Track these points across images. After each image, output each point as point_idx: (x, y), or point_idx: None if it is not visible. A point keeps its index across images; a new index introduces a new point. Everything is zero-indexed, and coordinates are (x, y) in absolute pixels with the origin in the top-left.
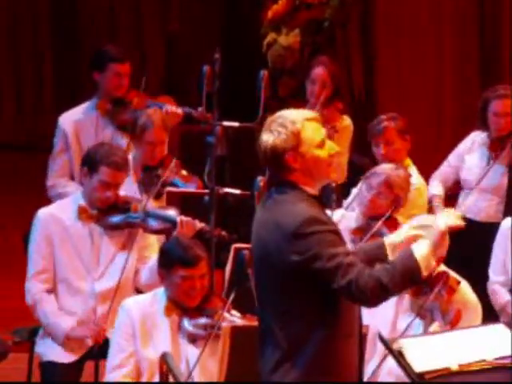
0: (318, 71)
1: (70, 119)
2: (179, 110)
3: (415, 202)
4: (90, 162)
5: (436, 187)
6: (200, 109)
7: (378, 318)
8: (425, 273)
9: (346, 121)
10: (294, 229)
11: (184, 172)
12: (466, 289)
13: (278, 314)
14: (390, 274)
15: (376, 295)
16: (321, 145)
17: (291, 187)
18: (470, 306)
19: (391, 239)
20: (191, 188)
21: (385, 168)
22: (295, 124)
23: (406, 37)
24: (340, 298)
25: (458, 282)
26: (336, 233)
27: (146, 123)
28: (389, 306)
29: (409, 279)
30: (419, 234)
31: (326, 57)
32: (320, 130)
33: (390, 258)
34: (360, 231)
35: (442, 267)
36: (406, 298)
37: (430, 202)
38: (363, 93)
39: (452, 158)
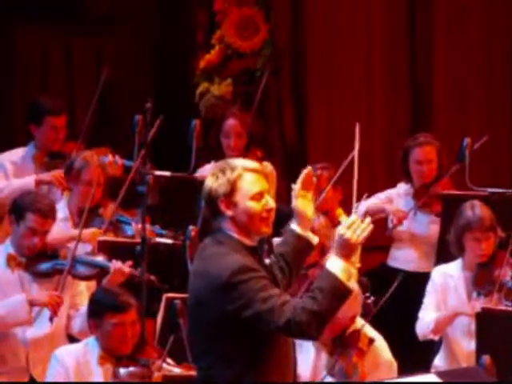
0: (231, 123)
1: (9, 159)
2: (120, 162)
3: None
4: (17, 209)
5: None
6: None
7: (301, 373)
8: (349, 284)
9: (268, 167)
10: (225, 280)
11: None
12: (380, 347)
13: (213, 362)
14: (318, 300)
15: (313, 327)
16: (256, 197)
17: (226, 237)
18: (384, 366)
19: (335, 267)
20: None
21: None
22: (233, 171)
23: (337, 87)
24: (273, 346)
25: (371, 342)
26: (266, 277)
27: (82, 164)
28: (308, 364)
29: (337, 297)
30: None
31: (235, 108)
32: (259, 183)
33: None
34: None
35: (357, 325)
36: (323, 354)
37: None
38: (295, 142)
39: (380, 195)
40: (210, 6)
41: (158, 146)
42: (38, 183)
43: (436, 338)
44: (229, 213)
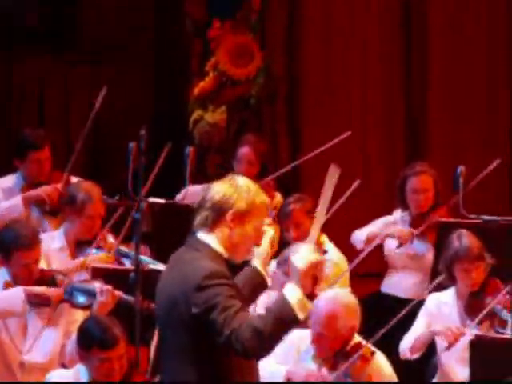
0: (244, 150)
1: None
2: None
3: (335, 277)
4: (2, 249)
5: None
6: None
7: None
8: (301, 315)
9: (278, 197)
10: (197, 282)
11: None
12: (381, 360)
13: (179, 366)
14: (266, 321)
15: (253, 344)
16: (256, 229)
17: (204, 245)
18: (387, 378)
19: (292, 296)
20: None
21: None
22: (258, 195)
23: (332, 115)
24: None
25: (373, 353)
26: (236, 289)
27: (86, 198)
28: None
29: (285, 324)
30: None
31: (252, 135)
32: (264, 218)
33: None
34: None
35: (357, 338)
36: (324, 370)
37: (368, 240)
38: (289, 170)
39: (377, 223)
40: (204, 34)
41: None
42: (26, 201)
43: (413, 357)
44: (231, 226)
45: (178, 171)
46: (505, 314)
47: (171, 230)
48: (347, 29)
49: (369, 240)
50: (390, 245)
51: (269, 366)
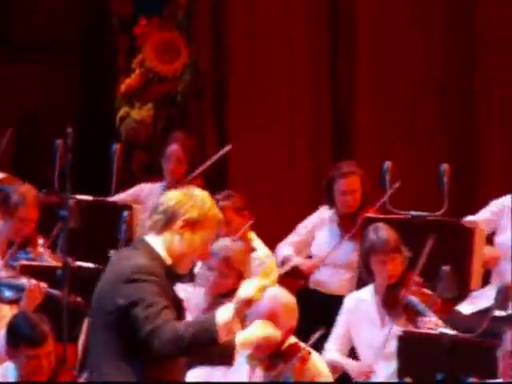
0: (173, 148)
1: None
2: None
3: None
4: None
5: (287, 250)
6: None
7: None
8: (222, 339)
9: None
10: (127, 275)
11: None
12: (317, 359)
13: (106, 362)
14: (189, 330)
15: (170, 347)
16: (204, 242)
17: (146, 246)
18: (323, 376)
19: (223, 317)
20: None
21: (220, 246)
22: (211, 209)
23: (259, 111)
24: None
25: (309, 353)
26: (163, 288)
27: (19, 200)
28: (242, 379)
29: (205, 341)
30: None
31: (180, 132)
32: (214, 232)
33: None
34: (211, 310)
35: (293, 339)
36: (258, 371)
37: (282, 263)
38: (216, 167)
39: (302, 230)
40: (130, 30)
41: (79, 170)
42: None
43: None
44: (180, 232)
45: (104, 168)
46: (422, 307)
47: (99, 227)
48: (273, 24)
49: (283, 263)
50: (319, 244)
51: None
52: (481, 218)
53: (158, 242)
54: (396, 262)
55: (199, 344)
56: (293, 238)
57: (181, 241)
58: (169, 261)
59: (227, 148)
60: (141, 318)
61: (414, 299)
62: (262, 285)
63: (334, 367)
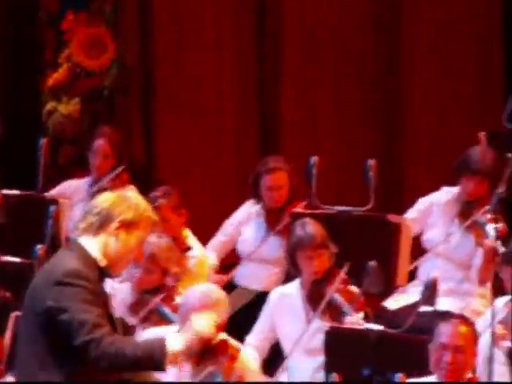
0: (99, 143)
1: None
2: None
3: (198, 273)
4: None
5: (210, 257)
6: None
7: None
8: (166, 367)
9: (132, 190)
10: (58, 277)
11: None
12: (246, 356)
13: (31, 364)
14: (135, 351)
15: (110, 361)
16: (139, 243)
17: (80, 248)
18: (252, 373)
19: (173, 348)
20: None
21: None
22: (146, 211)
23: (186, 106)
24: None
25: (238, 350)
26: (96, 294)
27: None
28: (171, 374)
29: (149, 366)
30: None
31: (107, 127)
32: (148, 233)
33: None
34: (136, 306)
35: (223, 335)
36: (186, 366)
37: None
38: (144, 161)
39: (228, 228)
40: (58, 25)
41: (6, 165)
42: None
43: None
44: (115, 234)
45: (31, 163)
46: (346, 307)
47: (26, 222)
48: (200, 19)
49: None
50: (246, 240)
51: None
52: (409, 217)
53: (92, 245)
54: (323, 257)
55: (142, 367)
56: (220, 238)
57: (116, 242)
58: (103, 263)
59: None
60: (75, 324)
61: (338, 298)
62: (215, 322)
63: None
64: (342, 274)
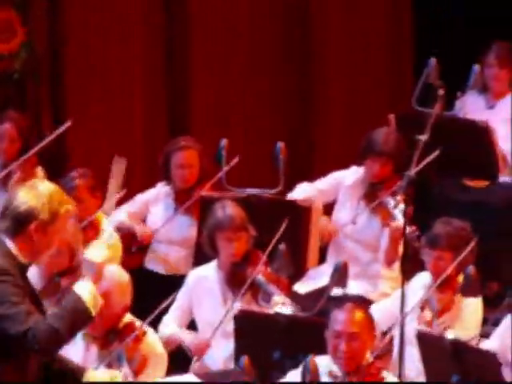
0: (5, 127)
1: None
2: None
3: (112, 257)
4: None
5: (121, 215)
6: None
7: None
8: (94, 312)
9: (40, 173)
10: None
11: None
12: (152, 340)
13: None
14: (61, 319)
15: (49, 342)
16: (58, 239)
17: (2, 244)
18: (156, 356)
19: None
20: None
21: None
22: (61, 205)
23: (96, 91)
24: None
25: (145, 333)
26: (21, 287)
27: None
28: (77, 357)
29: (80, 321)
30: None
31: (13, 111)
32: (66, 225)
33: None
34: (48, 290)
35: (128, 317)
36: (93, 348)
37: (118, 229)
38: (54, 147)
39: (136, 203)
40: None
41: None
42: None
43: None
44: (35, 237)
45: None
46: (270, 288)
47: None
48: (107, 2)
49: (118, 229)
50: (154, 219)
51: None
52: (318, 187)
53: (12, 245)
54: (242, 240)
55: (76, 328)
56: (129, 208)
57: (37, 243)
58: (24, 260)
59: (66, 125)
60: (10, 315)
61: (262, 279)
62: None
63: (170, 341)
64: (264, 257)
